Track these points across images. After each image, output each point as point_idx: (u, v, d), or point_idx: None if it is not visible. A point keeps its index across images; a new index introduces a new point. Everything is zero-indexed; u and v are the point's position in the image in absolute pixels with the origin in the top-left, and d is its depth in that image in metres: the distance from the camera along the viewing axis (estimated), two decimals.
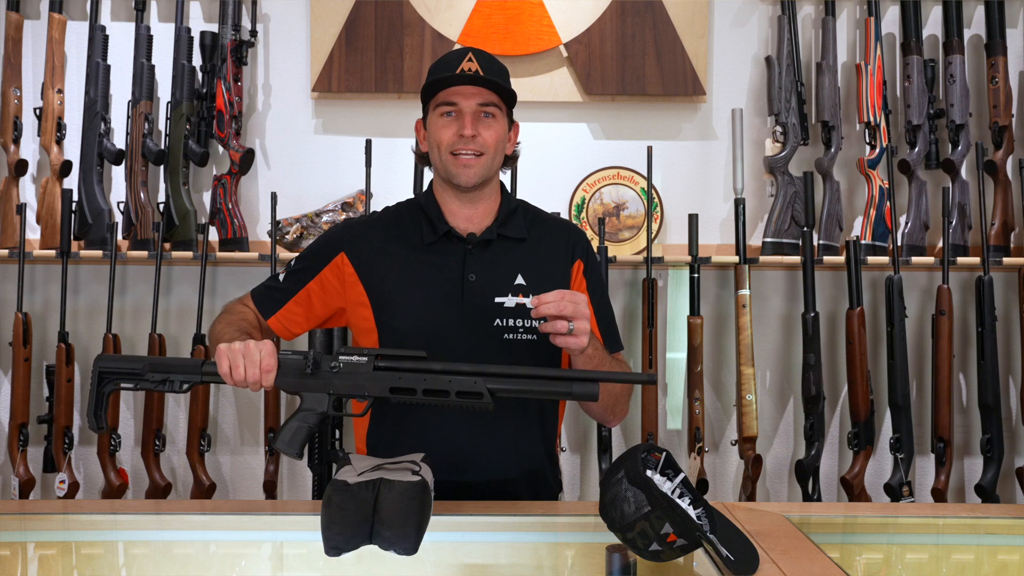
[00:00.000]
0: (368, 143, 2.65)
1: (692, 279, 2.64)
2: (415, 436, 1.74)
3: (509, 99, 1.77)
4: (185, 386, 1.57)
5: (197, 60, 2.70)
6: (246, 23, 2.73)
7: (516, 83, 1.85)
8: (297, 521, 1.70)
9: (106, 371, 1.57)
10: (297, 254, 2.58)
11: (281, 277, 1.84)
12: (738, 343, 2.64)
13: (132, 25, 2.70)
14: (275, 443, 1.57)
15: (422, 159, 1.86)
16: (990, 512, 2.19)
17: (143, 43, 2.69)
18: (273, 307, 1.82)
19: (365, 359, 1.56)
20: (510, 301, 1.73)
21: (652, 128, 2.79)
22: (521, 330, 1.74)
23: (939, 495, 2.61)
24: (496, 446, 1.75)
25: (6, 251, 2.63)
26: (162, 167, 2.68)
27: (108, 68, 2.69)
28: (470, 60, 1.72)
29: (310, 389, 1.55)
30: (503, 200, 1.83)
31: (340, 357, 1.56)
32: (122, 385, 1.57)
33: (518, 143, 1.86)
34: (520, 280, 1.76)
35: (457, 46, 2.70)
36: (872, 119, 2.68)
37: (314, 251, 1.84)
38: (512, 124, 1.81)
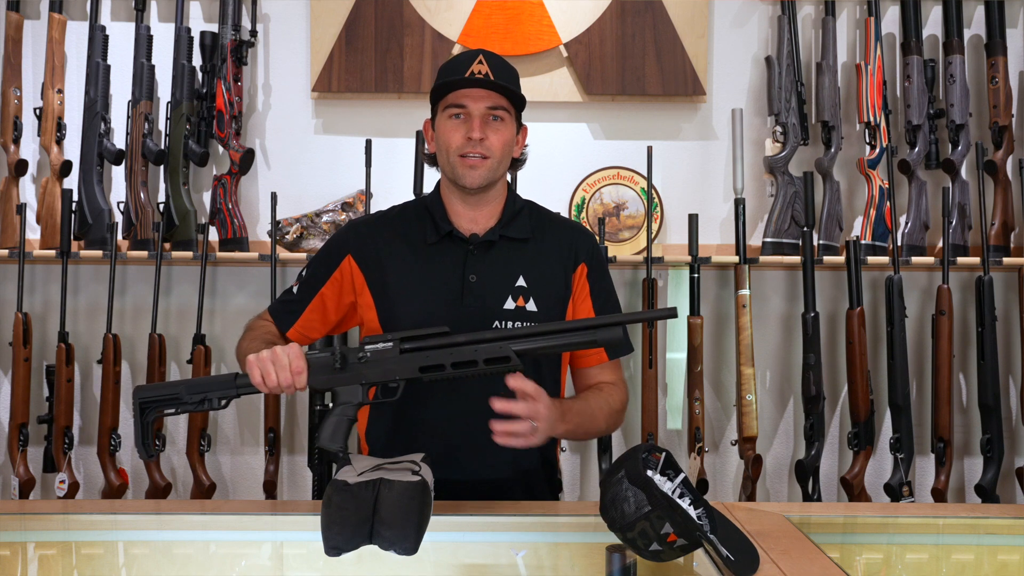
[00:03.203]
0: (368, 143, 2.65)
1: (692, 279, 2.64)
2: (411, 434, 1.75)
3: (518, 102, 1.77)
4: (223, 402, 1.60)
5: (197, 60, 2.70)
6: (246, 23, 2.73)
7: None
8: (297, 521, 1.70)
9: (146, 400, 1.60)
10: (302, 256, 2.62)
11: (295, 289, 1.85)
12: (738, 343, 2.64)
13: (132, 25, 2.71)
14: (318, 442, 1.59)
15: (430, 160, 1.86)
16: (990, 512, 2.19)
17: (143, 43, 2.69)
18: (290, 319, 1.83)
19: (391, 344, 1.58)
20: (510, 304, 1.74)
21: (652, 128, 2.79)
22: None
23: (939, 495, 2.61)
24: (490, 445, 1.74)
25: (6, 251, 2.63)
26: (162, 167, 2.68)
27: (108, 68, 2.69)
28: (480, 63, 1.72)
29: (343, 383, 1.58)
30: (508, 201, 1.82)
31: (366, 347, 1.58)
32: (164, 411, 1.60)
33: (526, 146, 1.86)
34: (521, 282, 1.76)
35: (457, 46, 2.70)
36: (872, 119, 2.68)
37: (323, 257, 1.84)
38: (520, 127, 1.81)
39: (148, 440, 1.60)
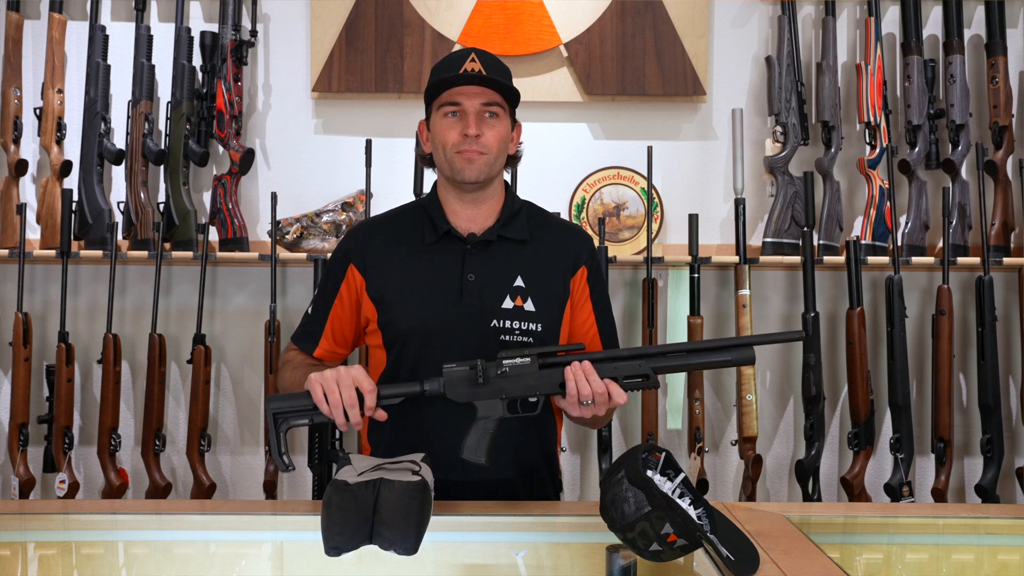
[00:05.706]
0: (368, 143, 2.65)
1: (692, 279, 2.64)
2: (413, 435, 1.75)
3: (512, 99, 1.77)
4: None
5: (197, 60, 2.70)
6: (246, 23, 2.73)
7: (516, 83, 1.85)
8: (297, 521, 1.70)
9: (280, 412, 1.58)
10: (303, 256, 2.62)
11: (310, 311, 1.86)
12: None
13: (132, 25, 2.70)
14: (463, 453, 1.59)
15: (425, 160, 1.86)
16: (990, 512, 2.19)
17: (143, 43, 2.69)
18: (313, 340, 1.83)
19: (529, 359, 1.59)
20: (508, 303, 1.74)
21: (652, 128, 2.79)
22: (517, 332, 1.74)
23: (939, 495, 2.61)
24: (492, 445, 1.75)
25: (6, 251, 2.63)
26: (162, 167, 2.68)
27: (108, 68, 2.69)
28: (473, 60, 1.72)
29: (483, 397, 1.59)
30: (506, 201, 1.83)
31: (504, 361, 1.59)
32: (295, 422, 1.58)
33: (521, 143, 1.86)
34: (519, 282, 1.76)
35: (457, 46, 2.70)
36: (872, 119, 2.68)
37: (329, 273, 1.85)
38: (515, 124, 1.82)
39: (285, 452, 1.57)
